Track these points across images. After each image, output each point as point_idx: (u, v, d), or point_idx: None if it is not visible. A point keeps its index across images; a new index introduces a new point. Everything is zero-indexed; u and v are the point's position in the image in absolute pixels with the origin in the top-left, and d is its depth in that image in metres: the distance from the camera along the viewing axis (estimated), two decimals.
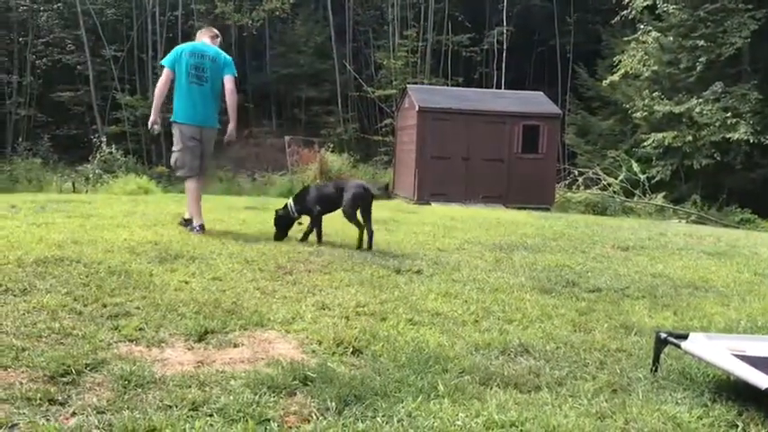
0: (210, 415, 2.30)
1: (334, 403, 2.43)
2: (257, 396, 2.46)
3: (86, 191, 16.89)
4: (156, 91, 6.47)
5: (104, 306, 3.56)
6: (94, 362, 2.74)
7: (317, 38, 29.98)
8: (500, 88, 26.22)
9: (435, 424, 2.33)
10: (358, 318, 3.63)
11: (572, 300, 4.41)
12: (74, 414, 2.28)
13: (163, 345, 3.06)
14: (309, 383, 2.63)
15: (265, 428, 2.23)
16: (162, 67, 6.58)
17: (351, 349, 3.08)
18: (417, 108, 15.12)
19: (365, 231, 6.01)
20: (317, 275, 4.64)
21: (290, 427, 2.27)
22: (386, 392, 2.57)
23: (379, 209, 10.71)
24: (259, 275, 4.55)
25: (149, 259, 4.82)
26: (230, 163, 24.92)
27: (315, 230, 6.17)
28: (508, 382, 2.81)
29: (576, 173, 20.43)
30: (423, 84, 25.03)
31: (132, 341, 3.08)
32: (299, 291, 4.19)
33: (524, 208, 13.28)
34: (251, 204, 9.99)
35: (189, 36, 28.25)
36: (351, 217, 6.06)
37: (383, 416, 2.37)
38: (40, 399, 2.37)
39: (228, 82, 6.44)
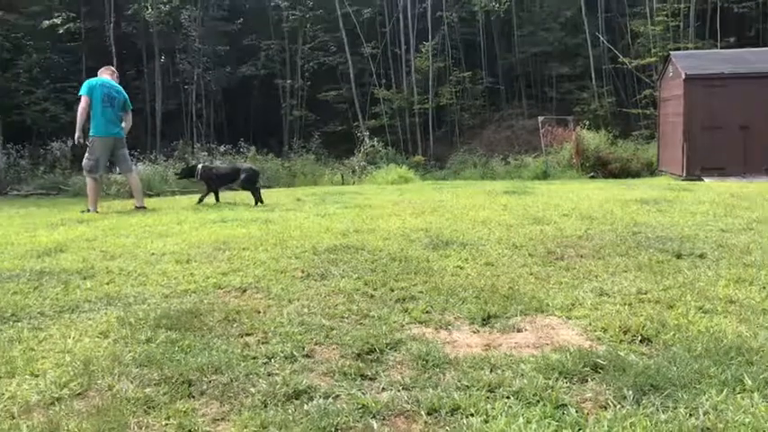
0: (507, 397, 2.38)
1: (630, 392, 2.37)
2: (549, 381, 2.49)
3: (353, 182, 18.32)
4: (80, 114, 8.60)
5: (392, 290, 3.85)
6: (392, 342, 2.98)
7: (566, 12, 28.99)
8: None
9: (747, 420, 2.17)
10: (641, 305, 3.48)
11: None
12: (383, 389, 2.51)
13: (450, 327, 3.23)
14: (601, 371, 2.59)
15: (563, 413, 2.25)
16: (80, 96, 8.71)
17: (639, 337, 2.97)
18: (684, 76, 13.92)
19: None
20: (590, 261, 4.53)
21: (588, 414, 2.26)
22: (684, 383, 2.45)
23: (646, 188, 10.11)
24: (530, 261, 4.57)
25: (423, 246, 5.10)
26: (483, 148, 25.27)
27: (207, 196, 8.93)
28: None
29: None
30: (687, 49, 22.97)
31: (421, 323, 3.29)
32: (573, 276, 4.13)
33: None
34: (509, 189, 10.04)
35: (438, 26, 29.30)
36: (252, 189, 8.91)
37: (685, 407, 2.26)
38: (354, 374, 2.64)
39: (127, 116, 9.01)
